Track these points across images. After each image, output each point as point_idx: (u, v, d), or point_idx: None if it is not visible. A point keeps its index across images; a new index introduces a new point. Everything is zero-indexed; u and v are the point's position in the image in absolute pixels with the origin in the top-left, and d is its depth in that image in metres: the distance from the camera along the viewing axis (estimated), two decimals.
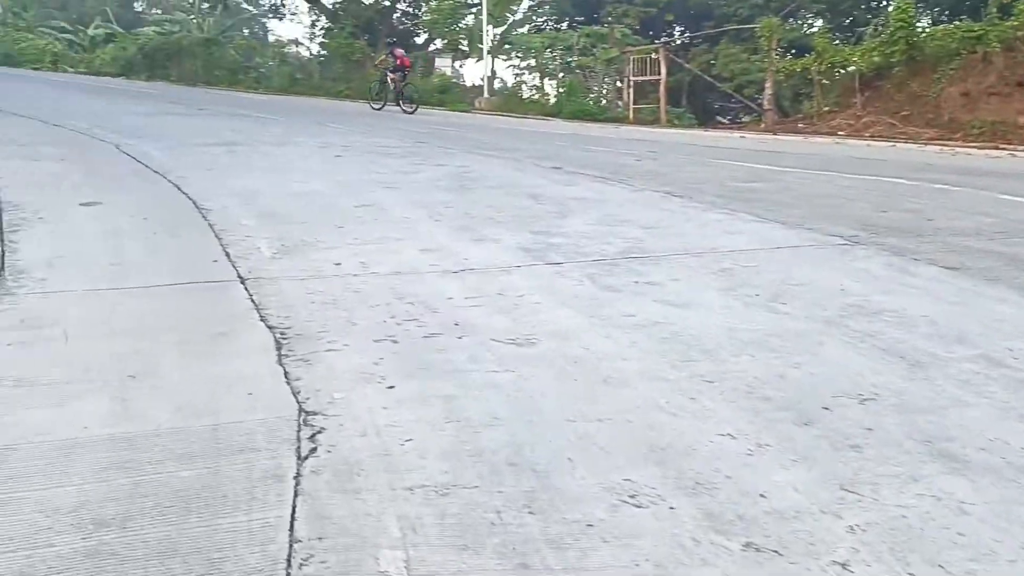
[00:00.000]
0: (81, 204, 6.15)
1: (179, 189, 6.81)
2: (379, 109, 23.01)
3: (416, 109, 22.98)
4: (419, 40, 40.19)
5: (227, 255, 5.02)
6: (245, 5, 63.09)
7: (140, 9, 67.46)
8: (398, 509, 2.32)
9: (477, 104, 28.71)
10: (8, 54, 46.45)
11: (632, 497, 2.42)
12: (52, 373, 3.25)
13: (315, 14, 40.38)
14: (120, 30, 53.07)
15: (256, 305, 4.16)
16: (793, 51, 23.20)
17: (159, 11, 62.74)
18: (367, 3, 38.04)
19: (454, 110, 26.87)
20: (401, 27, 39.45)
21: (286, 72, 37.30)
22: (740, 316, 4.19)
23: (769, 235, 6.19)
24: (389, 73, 24.19)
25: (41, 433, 2.76)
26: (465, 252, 5.38)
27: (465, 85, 33.04)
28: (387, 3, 38.66)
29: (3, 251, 4.88)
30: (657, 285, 4.72)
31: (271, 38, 67.95)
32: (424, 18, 36.20)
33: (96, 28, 54.00)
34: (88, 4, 61.74)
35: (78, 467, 2.55)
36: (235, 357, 3.47)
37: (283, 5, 43.54)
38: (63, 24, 56.44)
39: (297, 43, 41.06)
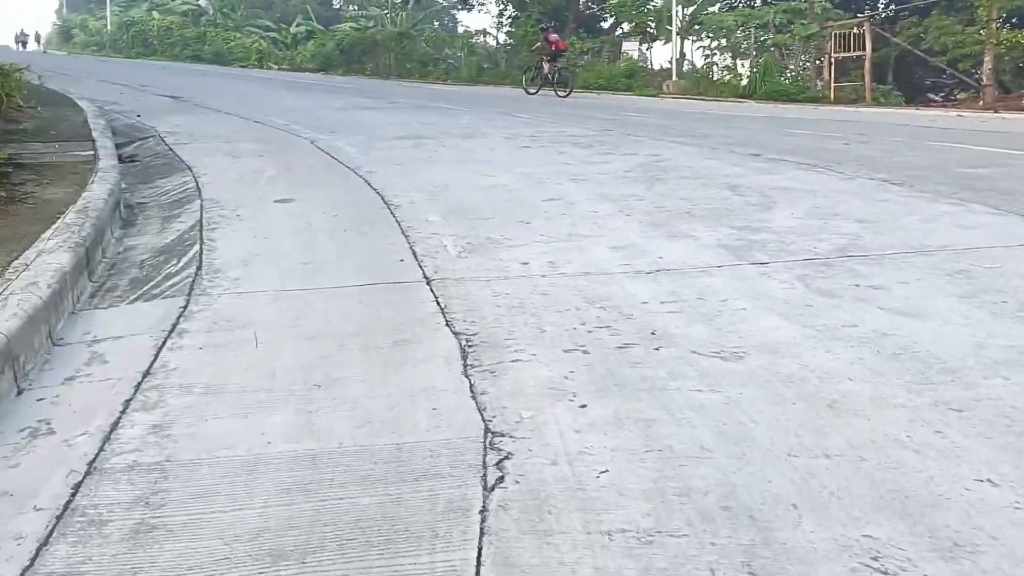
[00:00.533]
0: (276, 201, 6.29)
1: (368, 184, 6.86)
2: (534, 94, 23.30)
3: (569, 92, 23.03)
4: (605, 24, 39.78)
5: (413, 254, 4.94)
6: None
7: (338, 6, 70.95)
8: (596, 559, 2.05)
9: (665, 88, 27.99)
10: (219, 53, 50.13)
11: (875, 560, 2.03)
12: (240, 380, 3.21)
13: (503, 3, 40.81)
14: (319, 27, 56.01)
15: (441, 308, 4.01)
16: (1014, 20, 21.06)
17: (355, 7, 65.74)
18: None
19: (641, 95, 26.30)
20: (587, 12, 39.21)
21: (474, 62, 37.96)
22: (987, 328, 3.62)
23: (1009, 230, 5.44)
24: (544, 58, 24.47)
25: (226, 447, 2.69)
26: (659, 250, 5.04)
27: (652, 69, 32.34)
28: None
29: (201, 249, 5.01)
30: (881, 290, 4.19)
31: (460, 29, 69.68)
32: (611, 2, 35.68)
33: (297, 26, 57.24)
34: (291, 3, 65.60)
35: (260, 488, 2.45)
36: (419, 366, 3.32)
37: None
38: (268, 23, 60.28)
39: (485, 33, 41.61)
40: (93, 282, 4.54)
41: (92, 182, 5.87)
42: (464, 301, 4.13)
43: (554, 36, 25.67)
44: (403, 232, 5.41)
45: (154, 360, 3.45)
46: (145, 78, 19.39)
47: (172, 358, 3.46)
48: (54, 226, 4.73)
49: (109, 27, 62.81)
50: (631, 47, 34.24)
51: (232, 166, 7.61)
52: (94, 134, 7.66)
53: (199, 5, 59.35)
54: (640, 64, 32.32)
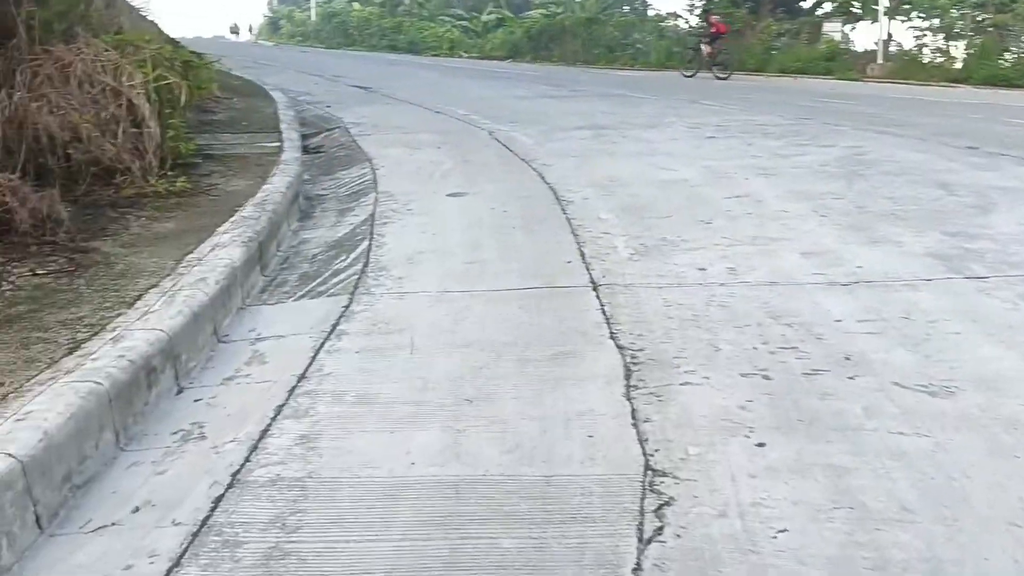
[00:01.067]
0: (448, 195, 6.22)
1: (542, 178, 6.67)
2: (690, 76, 23.62)
3: (729, 76, 22.85)
4: (805, 4, 37.78)
5: (582, 255, 4.69)
6: None
7: None
8: None
9: (868, 71, 26.16)
10: (413, 42, 51.72)
11: None
12: (391, 390, 3.09)
13: None
14: (509, 15, 56.62)
15: (607, 318, 3.75)
16: None
17: None
18: None
19: (842, 79, 24.73)
20: None
21: (663, 47, 37.07)
22: None
23: None
24: (703, 40, 24.76)
25: (369, 466, 2.57)
26: (857, 258, 4.53)
27: (855, 51, 30.39)
28: None
29: (370, 245, 4.98)
30: None
31: (650, 13, 68.53)
32: None
33: (488, 14, 58.13)
34: None
35: (398, 517, 2.30)
36: (578, 385, 3.08)
37: None
38: (460, 12, 61.64)
39: (676, 16, 40.60)
40: (265, 276, 4.60)
41: (273, 174, 6.02)
42: (632, 310, 3.84)
43: (715, 18, 25.90)
44: (573, 231, 5.17)
45: (311, 363, 3.39)
46: (339, 68, 20.17)
47: (328, 362, 3.40)
48: (231, 219, 4.84)
49: (313, 18, 66.32)
50: (832, 28, 32.31)
51: (410, 158, 7.63)
52: (282, 126, 7.92)
53: None
54: (842, 46, 30.47)
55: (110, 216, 4.90)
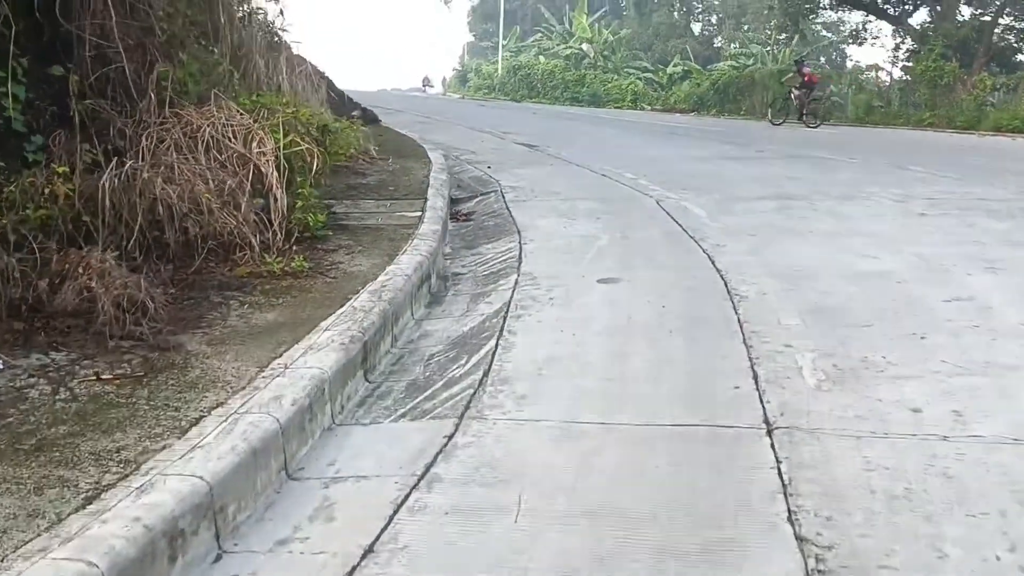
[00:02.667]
0: (599, 280, 5.43)
1: (712, 263, 5.75)
2: (779, 124, 25.58)
3: (819, 125, 25.14)
4: (1022, 57, 34.67)
5: (754, 377, 3.76)
6: (824, 32, 61.80)
7: (719, 45, 70.43)
8: None
9: None
10: (595, 94, 51.69)
11: None
12: None
13: (900, 36, 37.37)
14: (696, 66, 55.66)
15: (784, 484, 2.84)
16: None
17: (736, 45, 64.74)
18: (963, 20, 33.96)
19: None
20: (1002, 43, 34.43)
21: (861, 100, 35.06)
22: None
23: None
24: (795, 90, 26.68)
25: None
26: None
27: None
28: (987, 18, 34.09)
29: (496, 347, 4.26)
30: None
31: (849, 65, 65.65)
32: None
33: (674, 66, 57.44)
34: (671, 44, 66.23)
35: None
36: None
37: (864, 29, 41.09)
38: (646, 64, 61.29)
39: (877, 68, 38.37)
40: (370, 381, 3.97)
41: (404, 252, 5.45)
42: (820, 474, 2.90)
43: (807, 69, 27.87)
44: (744, 340, 4.25)
45: (386, 526, 2.69)
46: (512, 123, 19.90)
47: (407, 527, 2.68)
48: (339, 311, 4.26)
49: (500, 71, 67.93)
50: None
51: (563, 231, 6.91)
52: (429, 192, 7.42)
53: (582, 49, 62.01)
54: None
55: (212, 301, 4.44)
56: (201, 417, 3.08)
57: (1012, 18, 33.43)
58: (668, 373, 3.89)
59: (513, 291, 5.27)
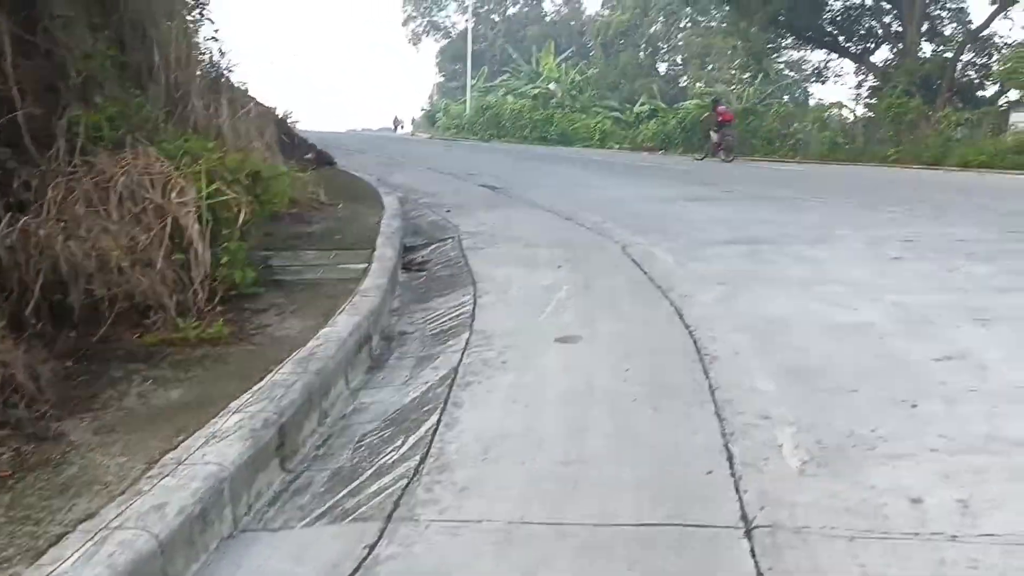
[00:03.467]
0: (558, 339, 4.93)
1: (680, 316, 5.28)
2: (700, 159, 27.77)
3: (733, 159, 26.72)
4: (987, 93, 35.03)
5: (729, 458, 3.28)
6: (787, 72, 62.48)
7: (685, 84, 71.05)
8: None
9: None
10: (563, 133, 51.69)
11: None
12: None
13: (862, 74, 37.73)
14: (663, 105, 55.93)
15: None
16: None
17: (702, 84, 65.32)
18: (924, 57, 34.33)
19: None
20: (964, 79, 34.79)
21: (826, 137, 35.22)
22: None
23: None
24: (713, 128, 29.07)
25: None
26: None
27: None
28: (948, 55, 34.49)
29: (439, 424, 3.74)
30: None
31: (812, 102, 66.42)
32: (996, 68, 31.38)
33: (641, 105, 57.73)
34: (638, 83, 66.67)
35: None
36: None
37: (827, 67, 41.47)
38: (613, 103, 61.57)
39: (840, 106, 38.63)
40: (287, 470, 3.42)
41: (342, 311, 4.92)
42: None
43: (721, 108, 30.53)
44: (717, 410, 3.76)
45: None
46: (477, 164, 19.49)
47: None
48: (256, 386, 3.72)
49: (468, 111, 67.93)
50: (1021, 118, 29.55)
51: (522, 281, 6.42)
52: (378, 240, 6.91)
53: (549, 89, 62.20)
54: None
55: (112, 376, 3.88)
56: (64, 534, 2.52)
57: (973, 54, 33.82)
58: (631, 453, 3.39)
59: (463, 353, 4.76)
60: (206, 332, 4.41)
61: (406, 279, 6.91)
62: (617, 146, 47.84)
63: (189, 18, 9.65)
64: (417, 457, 3.43)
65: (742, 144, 37.43)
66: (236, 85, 10.83)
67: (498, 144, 44.07)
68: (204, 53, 10.50)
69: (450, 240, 8.19)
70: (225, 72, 10.58)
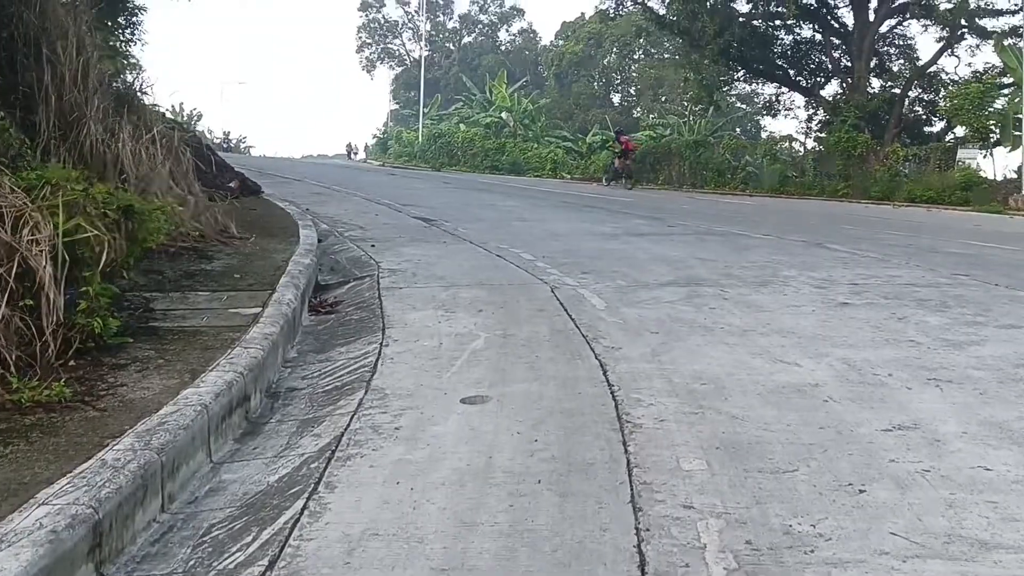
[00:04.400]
0: (463, 401, 4.36)
1: (603, 373, 4.75)
2: (606, 185, 31.34)
3: (633, 186, 30.16)
4: (933, 129, 35.49)
5: (641, 566, 2.72)
6: (739, 104, 63.16)
7: (638, 115, 71.52)
8: None
9: (1012, 203, 23.77)
10: (515, 163, 51.42)
11: None
12: None
13: (812, 107, 38.01)
14: (614, 136, 56.06)
15: None
16: None
17: (654, 116, 65.79)
18: (873, 93, 34.68)
19: (982, 211, 22.42)
20: (912, 115, 35.22)
21: (776, 170, 35.35)
22: None
23: None
24: (616, 157, 32.32)
25: None
26: None
27: (994, 180, 27.92)
28: (896, 91, 34.91)
29: (302, 512, 3.14)
30: None
31: (763, 135, 67.26)
32: (944, 105, 31.78)
33: (593, 135, 57.84)
34: (591, 113, 66.98)
35: None
36: None
37: (777, 101, 41.75)
38: (566, 133, 61.63)
39: (791, 139, 38.93)
40: None
41: (215, 366, 4.30)
42: None
43: (624, 138, 33.64)
44: (633, 497, 3.21)
45: None
46: (416, 194, 18.90)
47: None
48: (82, 467, 3.08)
49: (420, 139, 67.50)
50: (968, 154, 29.89)
51: (436, 327, 5.85)
52: (281, 280, 6.28)
53: (501, 118, 62.09)
54: (981, 175, 28.13)
55: None
56: None
57: (920, 90, 34.24)
58: (526, 558, 2.81)
59: (353, 417, 4.17)
60: (43, 394, 3.76)
61: (312, 323, 6.29)
62: (569, 176, 47.74)
63: (97, 38, 9.00)
64: (265, 560, 2.83)
65: (694, 176, 37.63)
66: (151, 108, 10.19)
67: (446, 174, 43.58)
68: (114, 73, 9.85)
69: (368, 278, 7.59)
70: (137, 93, 9.94)
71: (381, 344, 5.46)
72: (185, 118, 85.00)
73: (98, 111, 7.71)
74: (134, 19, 22.06)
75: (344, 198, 16.74)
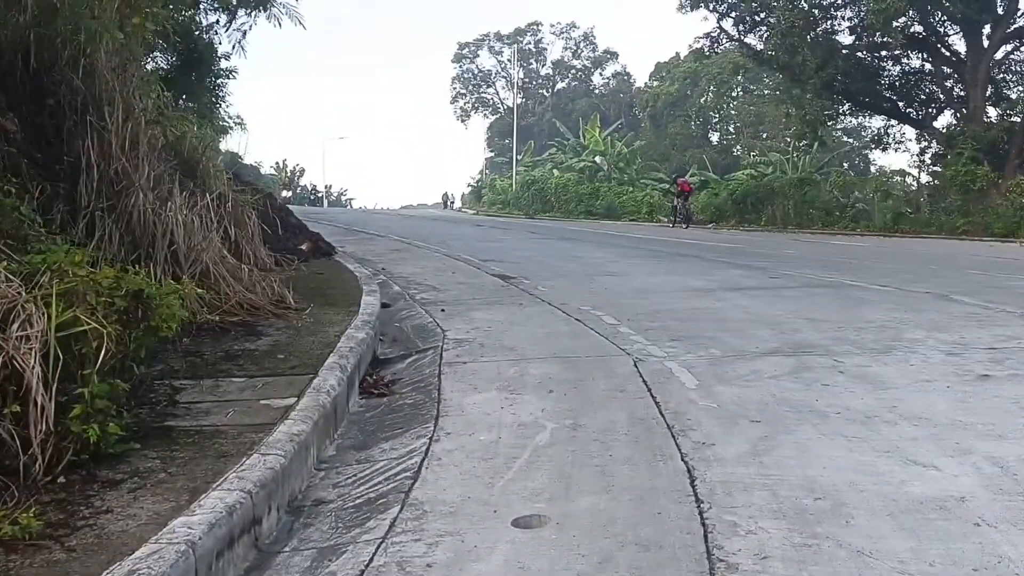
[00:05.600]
0: (515, 523, 3.61)
1: (691, 483, 3.91)
2: (671, 226, 34.57)
3: (688, 226, 33.86)
4: None
5: None
6: (845, 139, 60.98)
7: (738, 153, 69.98)
8: None
9: None
10: (610, 207, 50.70)
11: None
12: None
13: (925, 140, 36.14)
14: (714, 176, 54.83)
15: None
16: None
17: (755, 153, 64.20)
18: (990, 122, 32.68)
19: None
20: None
21: (888, 207, 33.58)
22: None
23: None
24: (676, 198, 36.71)
25: None
26: None
27: None
28: (1016, 119, 32.83)
29: None
30: None
31: (872, 169, 64.80)
32: None
33: (691, 176, 56.66)
34: (688, 154, 65.85)
35: None
36: None
37: (887, 134, 39.90)
38: (662, 175, 60.62)
39: (904, 174, 37.11)
40: None
41: (220, 483, 3.66)
42: None
43: (681, 180, 39.18)
44: None
45: None
46: (500, 247, 18.26)
47: None
48: None
49: (514, 186, 67.57)
50: None
51: (495, 417, 5.11)
52: (327, 362, 5.67)
53: (595, 162, 61.60)
54: None
55: None
56: None
57: None
58: None
59: (380, 546, 3.46)
60: (5, 529, 3.18)
61: (361, 409, 5.65)
62: (666, 219, 46.72)
63: (149, 102, 8.75)
64: None
65: (799, 215, 36.11)
66: (217, 171, 9.90)
67: (540, 220, 43.18)
68: (180, 137, 9.61)
69: (431, 350, 6.94)
70: (202, 158, 9.66)
71: (431, 439, 4.75)
72: (288, 174, 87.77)
73: (148, 179, 7.37)
74: (218, 82, 22.46)
75: (424, 255, 16.29)
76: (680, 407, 5.14)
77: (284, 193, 58.80)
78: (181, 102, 20.60)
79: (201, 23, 23.23)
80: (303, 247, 11.79)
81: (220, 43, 23.45)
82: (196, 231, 7.41)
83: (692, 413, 5.01)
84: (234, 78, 26.86)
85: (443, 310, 8.85)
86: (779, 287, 11.03)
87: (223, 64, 25.76)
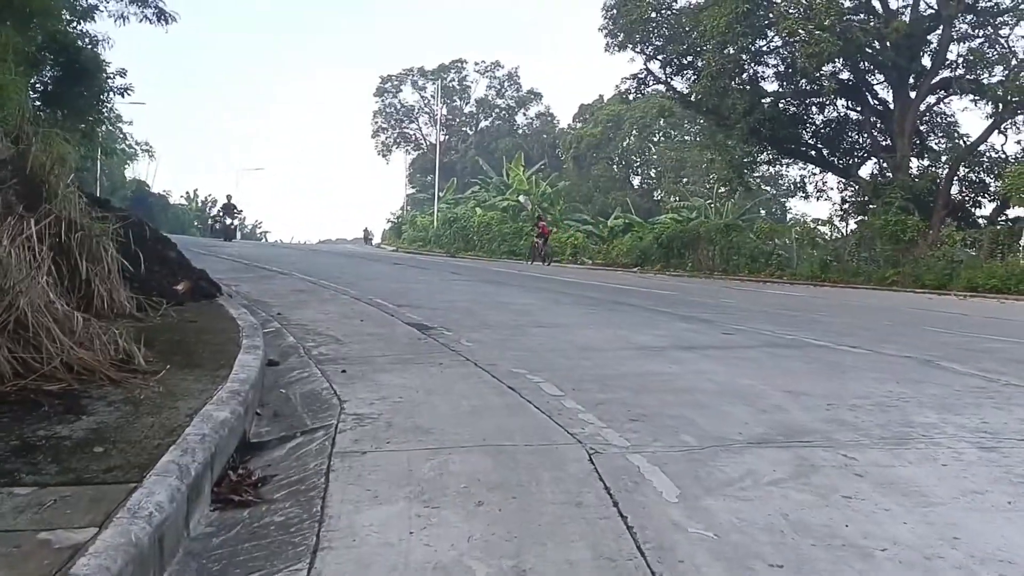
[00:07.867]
0: None
1: None
2: (529, 264, 38.58)
3: (549, 264, 38.35)
4: (983, 211, 33.30)
5: None
6: (764, 187, 61.40)
7: (659, 197, 70.00)
8: None
9: None
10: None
11: None
12: None
13: (849, 188, 36.04)
14: (638, 219, 54.37)
15: None
16: None
17: (676, 198, 64.19)
18: (917, 173, 32.70)
19: None
20: (961, 196, 33.09)
21: (813, 257, 33.25)
22: None
23: None
24: (535, 239, 41.96)
25: None
26: None
27: None
28: (941, 171, 32.92)
29: None
30: None
31: (788, 217, 65.44)
32: (996, 185, 29.76)
33: (615, 219, 56.16)
34: (611, 196, 65.45)
35: None
36: None
37: (807, 182, 39.88)
38: (586, 216, 59.99)
39: (829, 222, 36.93)
40: None
41: None
42: None
43: (542, 223, 43.08)
44: None
45: None
46: (418, 290, 16.63)
47: None
48: None
49: (435, 223, 66.06)
50: None
51: (399, 551, 3.50)
52: (162, 459, 4.01)
53: (519, 201, 60.63)
54: None
55: None
56: None
57: (968, 170, 32.21)
58: None
59: None
60: None
61: (210, 530, 3.96)
62: (590, 261, 45.85)
63: None
64: None
65: (725, 261, 35.54)
66: (67, 192, 8.10)
67: (461, 260, 41.69)
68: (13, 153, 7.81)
69: (321, 432, 5.29)
70: (48, 176, 7.87)
71: None
72: (200, 204, 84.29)
73: None
74: (106, 98, 20.49)
75: (329, 297, 14.50)
76: (664, 537, 3.61)
77: (228, 221, 55.61)
78: (60, 117, 18.65)
79: (88, 33, 21.27)
80: (179, 287, 10.00)
81: (107, 59, 21.61)
82: (12, 268, 5.64)
83: (683, 549, 3.49)
84: (129, 95, 24.84)
85: (344, 371, 7.19)
86: (737, 346, 9.67)
87: (118, 81, 23.77)
